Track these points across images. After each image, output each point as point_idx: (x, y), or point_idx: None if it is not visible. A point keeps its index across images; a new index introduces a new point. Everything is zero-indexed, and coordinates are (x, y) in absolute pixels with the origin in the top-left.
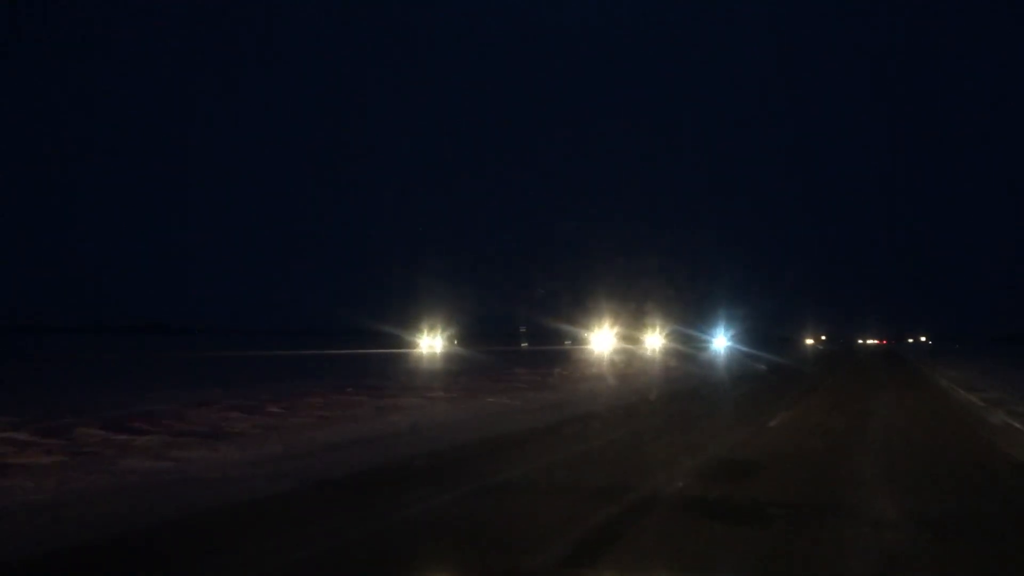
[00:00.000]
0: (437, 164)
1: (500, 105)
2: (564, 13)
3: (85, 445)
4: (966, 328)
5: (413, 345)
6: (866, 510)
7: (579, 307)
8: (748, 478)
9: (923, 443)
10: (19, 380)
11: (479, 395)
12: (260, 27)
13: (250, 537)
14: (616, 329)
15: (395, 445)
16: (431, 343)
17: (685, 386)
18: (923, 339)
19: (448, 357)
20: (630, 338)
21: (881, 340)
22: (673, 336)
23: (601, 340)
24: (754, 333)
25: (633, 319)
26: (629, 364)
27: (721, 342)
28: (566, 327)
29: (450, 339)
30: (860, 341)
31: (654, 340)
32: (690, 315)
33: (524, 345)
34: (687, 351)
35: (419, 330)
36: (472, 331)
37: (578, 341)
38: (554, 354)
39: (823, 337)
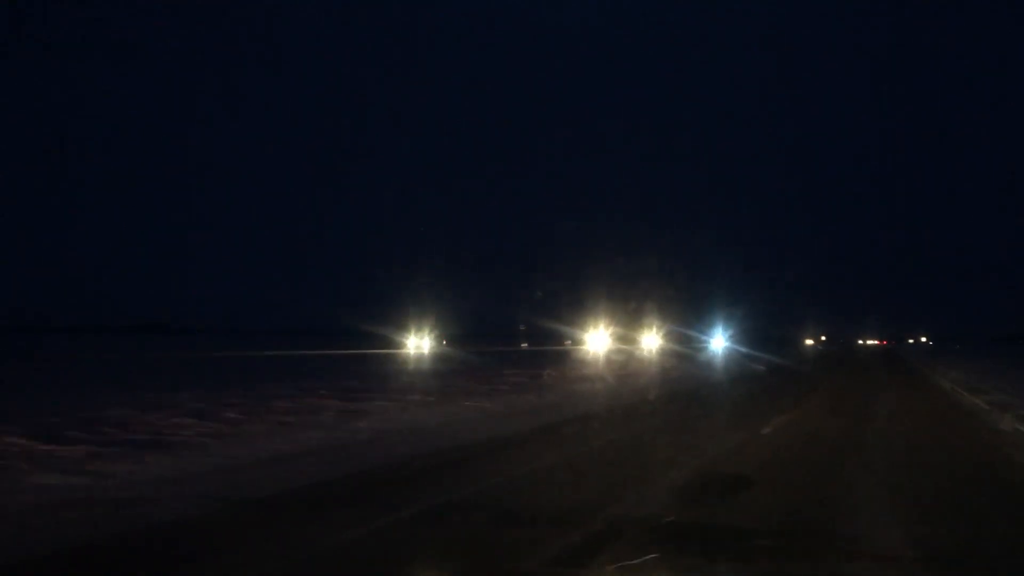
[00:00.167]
0: (437, 164)
1: (500, 105)
2: (564, 13)
3: (0, 458)
4: (966, 328)
5: (408, 346)
6: (867, 540)
7: (579, 307)
8: (732, 498)
9: (929, 455)
10: None
11: (458, 398)
12: (260, 27)
13: None
14: (615, 329)
15: (347, 457)
16: (423, 343)
17: (678, 388)
18: (923, 339)
19: (440, 358)
20: (629, 338)
21: (881, 340)
22: (672, 336)
23: (598, 340)
24: (753, 333)
25: (632, 319)
26: (624, 365)
27: (719, 342)
28: (566, 327)
29: (440, 339)
30: (860, 341)
31: (652, 340)
32: (690, 315)
33: (524, 345)
34: (685, 351)
35: (418, 331)
36: (473, 331)
37: (578, 341)
38: (550, 355)
39: (823, 337)
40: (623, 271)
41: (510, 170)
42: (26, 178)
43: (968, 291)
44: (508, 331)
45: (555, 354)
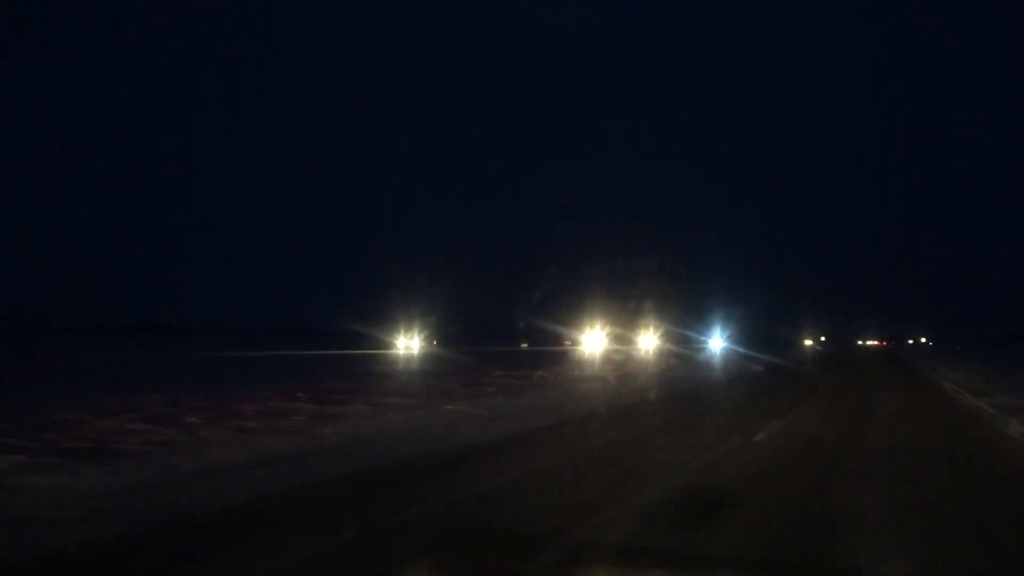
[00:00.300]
0: (437, 164)
1: (500, 105)
2: (564, 13)
3: None
4: (966, 328)
5: (398, 347)
6: (868, 573)
7: (579, 307)
8: (715, 518)
9: (935, 465)
10: None
11: (439, 401)
12: (260, 27)
13: None
14: (614, 329)
15: (303, 468)
16: (412, 344)
17: (671, 390)
18: (923, 340)
19: (433, 359)
20: (628, 338)
21: (881, 341)
22: (670, 337)
23: (596, 341)
24: (752, 333)
25: (632, 319)
26: (620, 366)
27: (717, 343)
28: (566, 327)
29: (431, 340)
30: (860, 342)
31: (651, 341)
32: (689, 315)
33: (524, 345)
34: (684, 352)
35: (418, 331)
36: (475, 331)
37: (577, 342)
38: (548, 355)
39: (822, 338)
40: (623, 271)
41: (510, 170)
42: (26, 178)
43: (968, 291)
44: (509, 331)
45: (553, 355)
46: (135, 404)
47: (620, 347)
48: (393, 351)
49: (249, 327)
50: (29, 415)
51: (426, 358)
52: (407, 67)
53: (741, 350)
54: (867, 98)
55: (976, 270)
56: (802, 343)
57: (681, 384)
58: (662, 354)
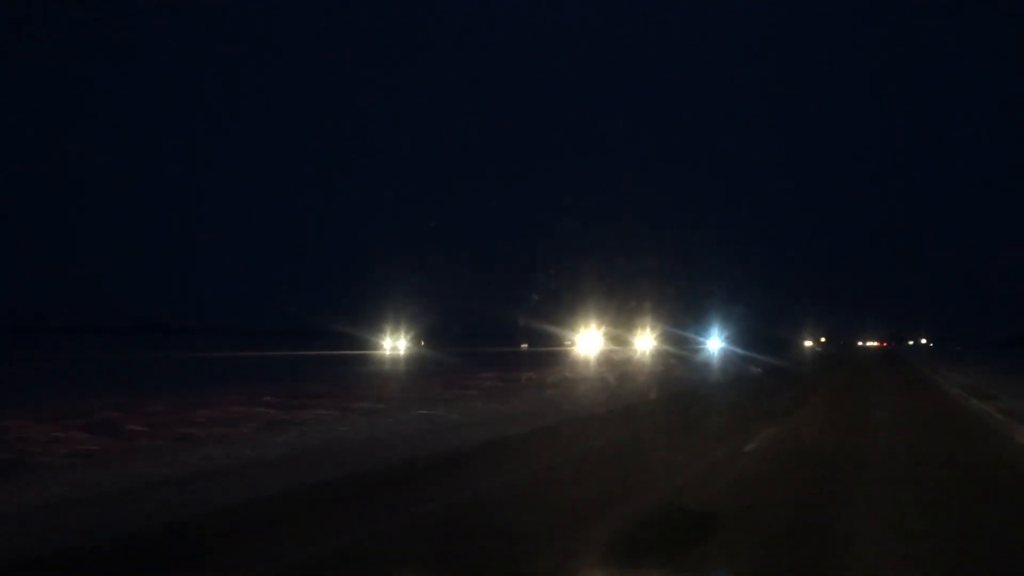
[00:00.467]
0: (437, 164)
1: (500, 105)
2: (564, 13)
3: None
4: (966, 329)
5: (384, 347)
6: None
7: (578, 307)
8: (694, 544)
9: (942, 478)
10: None
11: (411, 406)
12: (260, 27)
13: None
14: (613, 330)
15: (220, 488)
16: (399, 345)
17: (664, 393)
18: (923, 341)
19: (425, 359)
20: (626, 339)
21: (881, 342)
22: (669, 337)
23: (592, 341)
24: (752, 334)
25: (632, 319)
26: (614, 368)
27: (715, 343)
28: (565, 328)
29: (418, 340)
30: (860, 343)
31: (649, 341)
32: (689, 315)
33: (524, 345)
34: (682, 353)
35: (412, 331)
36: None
37: (577, 342)
38: (543, 356)
39: (822, 338)
40: (622, 271)
41: (510, 170)
42: (26, 178)
43: (968, 292)
44: (509, 331)
45: (548, 355)
46: (87, 408)
47: (618, 348)
48: (389, 352)
49: (249, 327)
50: None
51: (418, 359)
52: (407, 67)
53: (739, 351)
54: (867, 98)
55: (976, 270)
56: (802, 344)
57: (675, 387)
58: (660, 355)
